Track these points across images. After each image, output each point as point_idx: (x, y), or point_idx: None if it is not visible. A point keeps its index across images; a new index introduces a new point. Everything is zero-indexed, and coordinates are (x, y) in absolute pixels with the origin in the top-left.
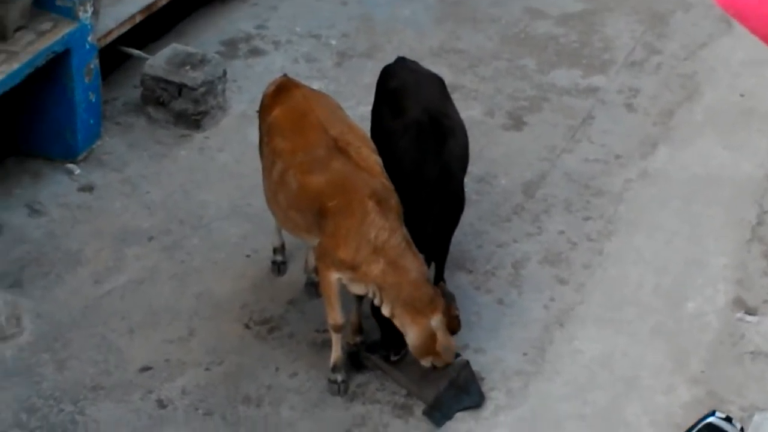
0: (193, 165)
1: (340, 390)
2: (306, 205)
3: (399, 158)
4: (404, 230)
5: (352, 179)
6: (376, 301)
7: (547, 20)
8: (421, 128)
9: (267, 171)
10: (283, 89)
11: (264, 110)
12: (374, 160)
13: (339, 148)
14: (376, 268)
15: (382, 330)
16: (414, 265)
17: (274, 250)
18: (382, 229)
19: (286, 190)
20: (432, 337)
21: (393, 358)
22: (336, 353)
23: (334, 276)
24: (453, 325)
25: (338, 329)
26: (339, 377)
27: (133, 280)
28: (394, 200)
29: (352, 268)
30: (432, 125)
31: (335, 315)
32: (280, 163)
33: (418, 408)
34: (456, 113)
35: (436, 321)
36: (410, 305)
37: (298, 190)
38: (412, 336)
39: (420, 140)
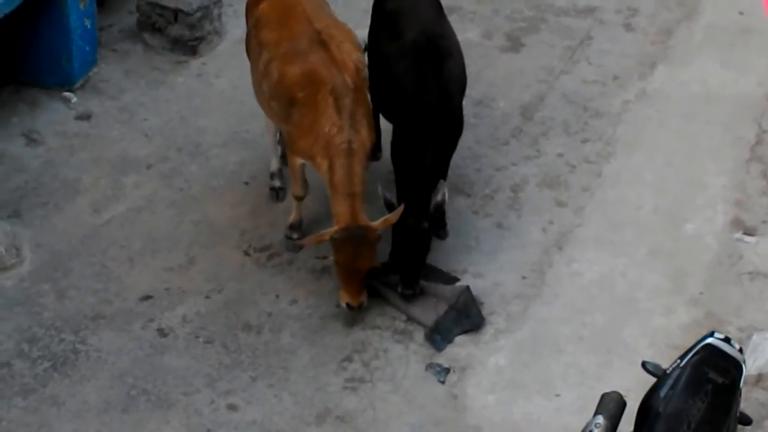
0: (191, 91)
1: (296, 246)
2: (283, 94)
3: (398, 81)
4: (352, 134)
5: (322, 72)
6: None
7: None
8: (419, 50)
9: (254, 63)
10: None
11: (251, 4)
12: (355, 57)
13: (321, 41)
14: (325, 164)
15: (401, 266)
16: (343, 170)
17: (272, 175)
18: (334, 125)
19: (269, 80)
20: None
21: (408, 292)
22: (295, 214)
23: (298, 161)
24: (338, 255)
25: (299, 199)
26: (295, 235)
27: (132, 209)
28: (349, 99)
29: (311, 157)
30: (429, 47)
31: (297, 188)
32: (266, 53)
33: (418, 333)
34: (453, 34)
35: (328, 230)
36: (333, 205)
37: (277, 80)
38: None
39: (418, 63)
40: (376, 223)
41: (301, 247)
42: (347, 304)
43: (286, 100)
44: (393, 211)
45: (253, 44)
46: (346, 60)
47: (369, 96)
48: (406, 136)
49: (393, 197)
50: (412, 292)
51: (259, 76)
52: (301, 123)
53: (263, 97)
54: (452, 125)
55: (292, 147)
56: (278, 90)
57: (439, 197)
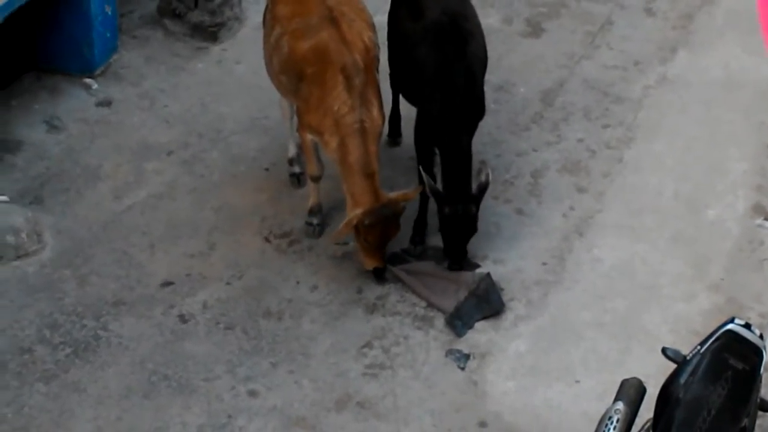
0: (211, 78)
1: (315, 232)
2: (291, 69)
3: (420, 63)
4: (364, 113)
5: (332, 50)
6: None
7: None
8: (442, 31)
9: (267, 36)
10: None
11: None
12: (366, 36)
13: (332, 18)
14: (334, 142)
15: (449, 248)
16: (359, 150)
17: (290, 161)
18: (344, 103)
19: (279, 54)
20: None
21: (455, 267)
22: (313, 199)
23: (308, 136)
24: (368, 235)
25: (315, 179)
26: (315, 220)
27: (153, 195)
28: (359, 80)
29: (319, 133)
30: (452, 28)
31: (312, 167)
32: (278, 28)
33: (438, 319)
34: (475, 15)
35: (353, 214)
36: (349, 186)
37: (287, 54)
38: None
39: (441, 44)
40: (396, 196)
41: (321, 233)
42: (375, 269)
43: (295, 75)
44: (439, 199)
45: (268, 17)
46: (355, 39)
47: (378, 75)
48: (434, 120)
49: (438, 184)
50: (460, 267)
51: (270, 49)
52: (309, 99)
53: (273, 71)
54: (475, 108)
55: (302, 122)
56: (287, 64)
57: (483, 178)
